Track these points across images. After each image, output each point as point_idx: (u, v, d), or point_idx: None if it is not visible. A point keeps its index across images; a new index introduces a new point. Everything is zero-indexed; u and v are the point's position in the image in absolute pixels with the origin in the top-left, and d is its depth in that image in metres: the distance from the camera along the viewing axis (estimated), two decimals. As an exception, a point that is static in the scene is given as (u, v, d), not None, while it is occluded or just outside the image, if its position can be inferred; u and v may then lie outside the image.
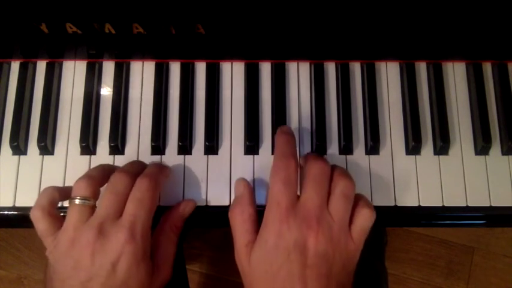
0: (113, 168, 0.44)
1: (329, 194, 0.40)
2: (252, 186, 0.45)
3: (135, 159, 0.48)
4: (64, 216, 0.40)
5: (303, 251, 0.38)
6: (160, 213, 0.45)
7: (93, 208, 0.40)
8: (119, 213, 0.39)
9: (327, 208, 0.40)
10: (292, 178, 0.40)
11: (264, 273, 0.39)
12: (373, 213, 0.41)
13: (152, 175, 0.42)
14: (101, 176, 0.41)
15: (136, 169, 0.43)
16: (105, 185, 0.42)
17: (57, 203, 0.41)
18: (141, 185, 0.40)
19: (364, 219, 0.40)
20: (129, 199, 0.40)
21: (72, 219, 0.39)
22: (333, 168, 0.42)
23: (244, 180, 0.45)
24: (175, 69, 0.50)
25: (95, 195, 0.40)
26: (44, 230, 0.40)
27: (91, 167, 0.47)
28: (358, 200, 0.41)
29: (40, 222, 0.40)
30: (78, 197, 0.39)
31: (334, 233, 0.39)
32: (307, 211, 0.39)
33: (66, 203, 0.44)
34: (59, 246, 0.39)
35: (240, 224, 0.41)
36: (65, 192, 0.41)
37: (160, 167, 0.45)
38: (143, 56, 0.50)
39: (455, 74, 0.51)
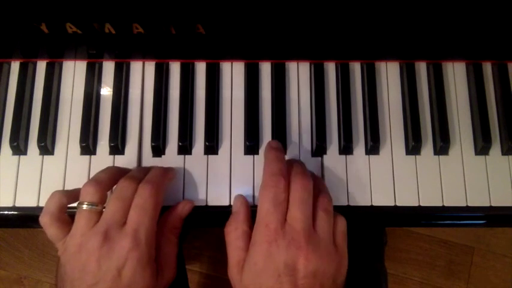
0: (121, 171, 0.44)
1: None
2: (248, 204, 0.45)
3: (135, 159, 0.48)
4: (73, 218, 0.41)
5: (293, 272, 0.38)
6: (161, 213, 0.45)
7: (100, 213, 0.40)
8: (125, 219, 0.40)
9: (313, 226, 0.40)
10: (281, 198, 0.40)
11: None
12: (343, 217, 0.43)
13: (154, 180, 0.42)
14: (109, 180, 0.42)
15: (143, 175, 0.43)
16: (113, 188, 0.42)
17: (66, 208, 0.42)
18: (144, 192, 0.41)
19: (340, 224, 0.42)
20: (132, 206, 0.40)
21: (79, 224, 0.40)
22: (315, 180, 0.43)
23: (242, 197, 0.46)
24: (175, 69, 0.50)
25: (103, 200, 0.41)
26: (54, 235, 0.41)
27: (91, 167, 0.47)
28: None
29: (49, 228, 0.41)
30: (86, 203, 0.40)
31: (323, 250, 0.39)
32: (295, 232, 0.39)
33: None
34: (68, 250, 0.39)
35: (233, 240, 0.42)
36: (72, 196, 0.42)
37: (163, 171, 0.45)
38: (143, 56, 0.50)
39: (455, 74, 0.51)
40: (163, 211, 0.45)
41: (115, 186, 0.42)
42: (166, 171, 0.45)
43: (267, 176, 0.42)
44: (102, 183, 0.41)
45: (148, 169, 0.46)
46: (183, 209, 0.45)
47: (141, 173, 0.44)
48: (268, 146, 0.45)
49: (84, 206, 0.40)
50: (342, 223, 0.42)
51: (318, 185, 0.43)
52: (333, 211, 0.42)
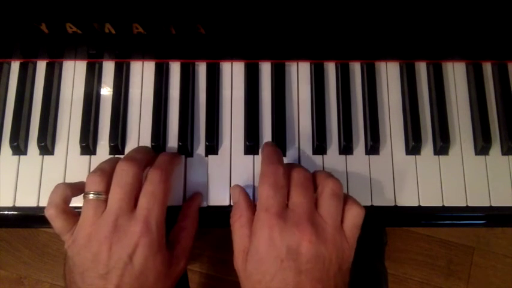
0: None
1: (316, 197, 0.40)
2: (246, 192, 0.45)
3: (135, 159, 0.48)
4: (79, 212, 0.41)
5: (296, 257, 0.37)
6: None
7: (107, 202, 0.40)
8: (132, 204, 0.40)
9: (316, 210, 0.39)
10: (281, 183, 0.40)
11: (258, 283, 0.38)
12: (363, 209, 0.41)
13: (163, 167, 0.42)
14: (112, 169, 0.41)
15: (142, 155, 0.43)
16: None
17: (70, 199, 0.41)
18: (153, 178, 0.40)
19: (355, 215, 0.40)
20: (142, 192, 0.40)
21: (87, 214, 0.39)
22: (317, 172, 0.42)
23: (238, 186, 0.45)
24: (175, 69, 0.50)
25: (108, 189, 0.40)
26: (60, 227, 0.40)
27: (91, 167, 0.47)
28: (345, 200, 0.41)
29: (55, 220, 0.40)
30: (92, 192, 0.40)
31: (328, 234, 0.38)
32: (297, 215, 0.38)
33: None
34: (77, 241, 0.39)
35: (238, 229, 0.41)
36: (77, 188, 0.42)
37: (171, 156, 0.44)
38: (143, 56, 0.50)
39: (455, 74, 0.51)
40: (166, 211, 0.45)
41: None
42: (174, 157, 0.45)
43: (265, 164, 0.41)
44: (107, 172, 0.41)
45: (147, 150, 0.45)
46: (200, 201, 0.46)
47: (140, 154, 0.43)
48: (264, 144, 0.45)
49: (91, 196, 0.40)
50: (356, 214, 0.40)
51: (325, 174, 0.42)
52: (353, 202, 0.41)
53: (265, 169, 0.41)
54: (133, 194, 0.40)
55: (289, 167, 0.42)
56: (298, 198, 0.39)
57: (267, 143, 0.45)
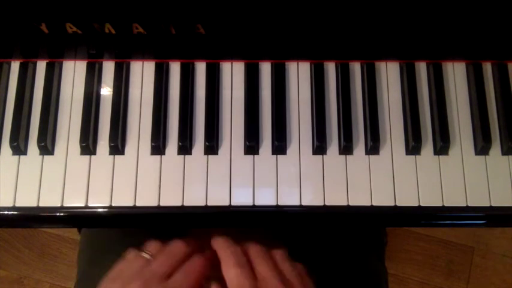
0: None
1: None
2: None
3: (135, 159, 0.48)
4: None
5: None
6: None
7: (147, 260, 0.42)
8: (168, 274, 0.41)
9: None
10: (243, 260, 0.41)
11: None
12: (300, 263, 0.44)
13: (206, 263, 0.43)
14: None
15: (197, 247, 0.44)
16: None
17: None
18: (195, 262, 0.42)
19: (302, 268, 0.43)
20: (180, 269, 0.41)
21: (129, 265, 0.42)
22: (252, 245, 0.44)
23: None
24: (175, 69, 0.50)
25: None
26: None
27: (91, 167, 0.47)
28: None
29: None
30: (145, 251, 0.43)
31: None
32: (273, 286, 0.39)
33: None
34: (109, 276, 0.42)
35: None
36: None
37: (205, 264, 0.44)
38: (143, 56, 0.50)
39: (455, 74, 0.51)
40: (164, 211, 0.45)
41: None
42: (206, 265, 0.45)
43: (222, 251, 0.42)
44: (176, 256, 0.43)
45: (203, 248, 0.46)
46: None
47: (196, 245, 0.45)
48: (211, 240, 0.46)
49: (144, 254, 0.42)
50: (301, 266, 0.43)
51: (265, 248, 0.44)
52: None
53: (223, 254, 0.42)
54: (174, 266, 0.41)
55: (242, 245, 0.43)
56: (266, 272, 0.40)
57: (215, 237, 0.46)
